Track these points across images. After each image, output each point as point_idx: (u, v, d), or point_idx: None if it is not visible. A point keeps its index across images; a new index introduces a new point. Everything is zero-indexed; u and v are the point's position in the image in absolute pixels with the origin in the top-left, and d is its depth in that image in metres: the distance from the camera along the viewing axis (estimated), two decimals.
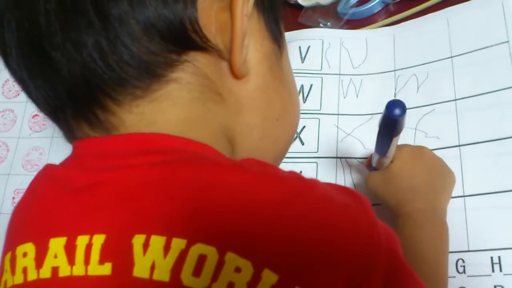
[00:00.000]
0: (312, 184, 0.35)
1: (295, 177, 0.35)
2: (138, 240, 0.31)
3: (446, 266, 0.54)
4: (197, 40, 0.35)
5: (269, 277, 0.30)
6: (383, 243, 0.33)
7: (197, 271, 0.30)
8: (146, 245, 0.31)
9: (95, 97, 0.35)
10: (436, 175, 0.58)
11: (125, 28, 0.33)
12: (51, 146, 0.80)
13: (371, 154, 0.60)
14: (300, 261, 0.31)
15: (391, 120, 0.47)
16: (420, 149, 0.60)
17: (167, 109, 0.36)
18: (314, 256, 0.31)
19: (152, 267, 0.30)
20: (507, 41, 0.67)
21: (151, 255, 0.30)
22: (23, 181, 0.78)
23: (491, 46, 0.68)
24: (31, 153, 0.80)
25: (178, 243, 0.30)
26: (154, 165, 0.34)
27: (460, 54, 0.69)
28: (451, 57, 0.70)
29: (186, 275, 0.30)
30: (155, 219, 0.32)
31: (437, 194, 0.58)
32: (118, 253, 0.31)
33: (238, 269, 0.30)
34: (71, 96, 0.35)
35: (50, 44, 0.34)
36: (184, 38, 0.35)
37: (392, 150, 0.55)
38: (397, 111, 0.46)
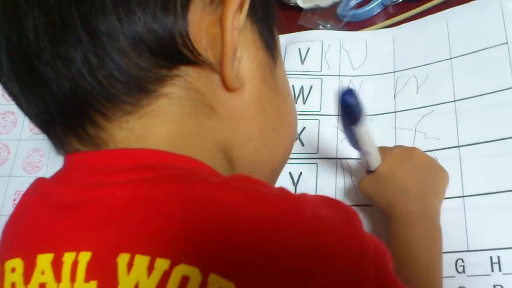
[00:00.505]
0: (300, 201, 0.35)
1: (283, 195, 0.35)
2: (122, 259, 0.31)
3: (440, 268, 0.54)
4: (188, 54, 0.35)
5: None
6: (372, 258, 0.33)
7: None
8: (130, 265, 0.31)
9: (85, 112, 0.35)
10: (428, 176, 0.58)
11: (114, 44, 0.33)
12: (52, 148, 0.80)
13: None
14: (287, 280, 0.31)
15: (344, 107, 0.47)
16: (410, 151, 0.59)
17: (158, 125, 0.35)
18: (302, 275, 0.31)
19: (136, 287, 0.30)
20: (506, 43, 0.67)
21: (135, 274, 0.30)
22: (24, 183, 0.78)
23: (490, 47, 0.68)
24: (32, 155, 0.80)
25: (161, 263, 0.30)
26: (141, 182, 0.33)
27: (460, 56, 0.69)
28: (451, 58, 0.70)
29: None
30: (140, 238, 0.32)
31: (429, 196, 0.58)
32: (103, 272, 0.31)
33: None
34: (61, 112, 0.35)
35: (39, 59, 0.34)
36: (174, 53, 0.34)
37: (369, 145, 0.55)
38: (346, 97, 0.46)
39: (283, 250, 0.31)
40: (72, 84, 0.34)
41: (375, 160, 0.58)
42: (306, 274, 0.31)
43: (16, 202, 0.76)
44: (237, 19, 0.36)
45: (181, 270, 0.30)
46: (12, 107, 0.84)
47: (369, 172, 0.60)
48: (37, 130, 0.82)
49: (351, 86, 0.46)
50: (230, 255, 0.31)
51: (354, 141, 0.53)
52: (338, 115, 0.50)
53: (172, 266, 0.30)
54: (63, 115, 0.35)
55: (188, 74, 0.35)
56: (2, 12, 0.34)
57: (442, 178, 0.60)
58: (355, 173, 0.67)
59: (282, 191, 0.35)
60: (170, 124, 0.36)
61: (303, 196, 0.36)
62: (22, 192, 0.77)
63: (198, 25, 0.35)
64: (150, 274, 0.30)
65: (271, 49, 0.41)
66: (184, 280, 0.30)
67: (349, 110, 0.47)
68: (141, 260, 0.30)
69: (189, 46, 0.34)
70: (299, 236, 0.32)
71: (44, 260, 0.33)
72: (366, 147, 0.55)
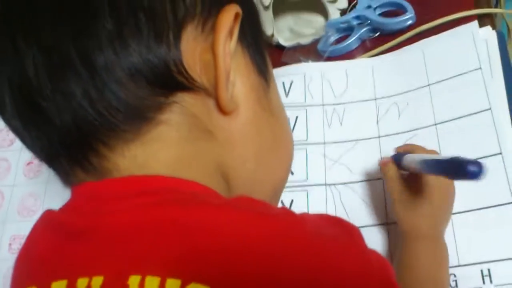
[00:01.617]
0: (302, 220, 0.35)
1: (285, 213, 0.36)
2: (134, 281, 0.31)
3: (446, 283, 0.57)
4: (183, 81, 0.36)
5: None
6: (376, 273, 0.34)
7: None
8: (141, 286, 0.31)
9: (88, 143, 0.36)
10: (449, 206, 0.61)
11: (112, 76, 0.34)
12: (46, 191, 0.81)
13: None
14: None
15: (459, 176, 0.48)
16: (449, 183, 0.60)
17: (158, 151, 0.36)
18: None
19: None
20: (480, 68, 0.70)
21: None
22: (19, 227, 0.78)
23: (465, 73, 0.71)
24: (27, 199, 0.81)
25: (172, 283, 0.30)
26: (146, 206, 0.34)
27: (437, 82, 0.73)
28: (429, 85, 0.73)
29: None
30: (150, 260, 0.32)
31: (444, 222, 0.61)
32: None
33: None
34: (64, 144, 0.36)
35: (40, 96, 0.34)
36: (170, 80, 0.35)
37: None
38: (475, 174, 0.45)
39: (287, 268, 0.32)
40: (74, 116, 0.34)
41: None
42: None
43: (13, 246, 0.78)
44: (228, 45, 0.37)
45: None
46: (6, 153, 0.87)
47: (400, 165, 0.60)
48: (31, 174, 0.84)
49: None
50: (238, 272, 0.31)
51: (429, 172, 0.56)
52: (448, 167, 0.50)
53: (183, 286, 0.30)
54: (67, 148, 0.36)
55: (184, 100, 0.36)
56: (3, 53, 0.36)
57: (453, 205, 0.62)
58: (344, 198, 0.69)
59: (285, 210, 0.36)
60: (169, 150, 0.36)
61: (305, 215, 0.37)
62: (19, 236, 0.78)
63: (191, 53, 0.36)
64: None
65: (263, 72, 0.42)
66: None
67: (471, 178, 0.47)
68: (152, 281, 0.31)
69: (183, 73, 0.35)
70: (302, 252, 0.32)
71: (58, 287, 0.33)
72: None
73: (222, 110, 0.38)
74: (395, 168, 0.61)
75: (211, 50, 0.37)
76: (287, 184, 0.70)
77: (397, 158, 0.61)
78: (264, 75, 0.42)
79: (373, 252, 0.36)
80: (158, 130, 0.36)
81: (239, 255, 0.32)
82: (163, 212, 0.34)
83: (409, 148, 0.63)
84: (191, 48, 0.36)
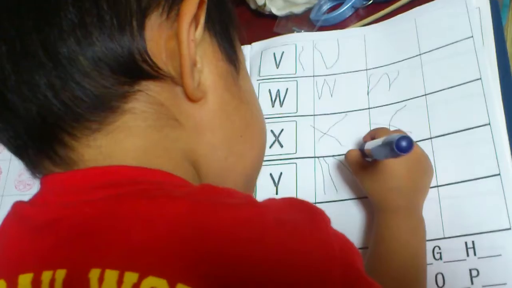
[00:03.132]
0: (264, 208, 0.36)
1: (247, 203, 0.36)
2: (94, 274, 0.32)
3: (424, 255, 0.57)
4: (148, 69, 0.36)
5: None
6: (337, 258, 0.34)
7: None
8: (101, 279, 0.31)
9: (53, 134, 0.36)
10: (420, 176, 0.61)
11: (75, 65, 0.34)
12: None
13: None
14: (252, 287, 0.31)
15: (397, 154, 0.50)
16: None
17: (124, 140, 0.36)
18: (267, 281, 0.31)
19: None
20: (472, 36, 0.69)
21: None
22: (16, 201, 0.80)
23: (456, 41, 0.70)
24: (23, 173, 0.82)
25: (130, 277, 0.31)
26: (108, 199, 0.34)
27: (428, 51, 0.72)
28: (420, 54, 0.72)
29: None
30: (109, 253, 0.32)
31: (418, 194, 0.60)
32: (77, 287, 0.32)
33: None
34: (30, 135, 0.36)
35: (4, 86, 0.34)
36: (134, 69, 0.35)
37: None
38: (404, 148, 0.50)
39: (247, 258, 0.32)
40: (38, 107, 0.35)
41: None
42: (270, 278, 0.31)
43: None
44: (192, 31, 0.37)
45: (149, 282, 0.31)
46: None
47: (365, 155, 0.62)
48: None
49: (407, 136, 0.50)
50: (195, 266, 0.31)
51: (380, 157, 0.57)
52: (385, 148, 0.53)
53: (140, 279, 0.31)
54: (33, 139, 0.36)
55: (150, 88, 0.36)
56: None
57: (430, 176, 0.62)
58: (333, 170, 0.69)
59: (247, 199, 0.36)
60: (135, 139, 0.37)
61: (268, 202, 0.37)
62: None
63: (156, 41, 0.36)
64: None
65: (232, 59, 0.42)
66: None
67: (399, 155, 0.51)
68: (111, 275, 0.31)
69: (148, 61, 0.35)
70: (262, 243, 0.33)
71: (25, 280, 0.34)
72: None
73: (189, 97, 0.38)
74: (357, 153, 0.63)
75: (176, 37, 0.37)
76: (276, 157, 0.71)
77: (362, 148, 0.63)
78: (234, 63, 0.42)
79: (337, 236, 0.36)
80: (124, 119, 0.36)
81: (198, 246, 0.32)
82: (124, 205, 0.34)
83: (373, 133, 0.63)
84: (155, 36, 0.36)
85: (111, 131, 0.36)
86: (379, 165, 0.60)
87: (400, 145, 0.49)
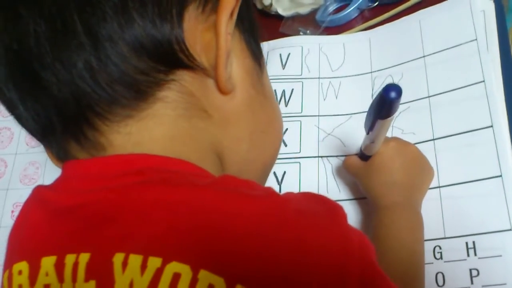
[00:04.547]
0: (285, 200, 0.36)
1: (269, 194, 0.36)
2: (118, 258, 0.32)
3: (423, 253, 0.57)
4: (184, 59, 0.36)
5: None
6: (357, 253, 0.34)
7: None
8: (125, 264, 0.32)
9: (84, 116, 0.36)
10: (416, 172, 0.61)
11: (115, 48, 0.34)
12: (47, 160, 0.82)
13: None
14: (272, 276, 0.31)
15: (384, 100, 0.50)
16: (405, 145, 0.62)
17: (154, 128, 0.37)
18: (286, 271, 0.32)
19: (131, 285, 0.32)
20: (476, 39, 0.70)
21: (129, 273, 0.32)
22: (21, 194, 0.80)
23: (460, 44, 0.71)
24: (28, 167, 0.83)
25: (154, 262, 0.31)
26: (131, 186, 0.35)
27: (432, 53, 0.72)
28: (424, 56, 0.73)
29: None
30: (133, 238, 0.33)
31: (414, 190, 0.61)
32: (100, 271, 0.33)
33: (211, 286, 0.31)
34: (61, 116, 0.36)
35: (40, 64, 0.34)
36: (171, 58, 0.36)
37: (379, 136, 0.57)
38: (392, 94, 0.49)
39: (268, 245, 0.32)
40: (73, 87, 0.34)
41: (375, 148, 0.60)
42: (289, 269, 0.32)
43: (15, 213, 0.80)
44: (229, 25, 0.38)
45: (172, 267, 0.31)
46: (9, 123, 0.89)
47: (363, 154, 0.62)
48: (33, 143, 0.86)
49: (395, 82, 0.49)
50: (219, 251, 0.32)
51: (371, 128, 0.56)
52: (372, 102, 0.52)
53: (164, 264, 0.31)
54: (63, 119, 0.36)
55: (184, 78, 0.37)
56: (3, 21, 0.35)
57: (428, 175, 0.63)
58: (336, 170, 0.69)
59: (267, 190, 0.37)
60: (164, 127, 0.37)
61: (287, 195, 0.38)
62: (20, 204, 0.79)
63: (192, 32, 0.36)
64: (144, 272, 0.31)
65: (257, 57, 0.43)
66: (176, 277, 0.31)
67: (389, 105, 0.50)
68: (135, 259, 0.32)
69: (185, 51, 0.36)
70: (282, 231, 0.33)
71: (48, 263, 0.35)
72: (375, 137, 0.57)
73: (220, 89, 0.39)
74: (354, 157, 0.64)
75: (212, 29, 0.37)
76: (280, 156, 0.72)
77: (359, 154, 0.64)
78: (258, 61, 0.43)
79: (355, 231, 0.36)
80: (155, 107, 0.36)
81: (221, 234, 0.32)
82: (148, 192, 0.34)
83: None
84: (192, 28, 0.36)
85: (142, 118, 0.36)
86: (375, 161, 0.60)
87: (388, 89, 0.49)
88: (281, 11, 0.87)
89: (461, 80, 0.68)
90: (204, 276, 0.31)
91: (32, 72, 0.35)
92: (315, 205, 0.37)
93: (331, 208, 0.37)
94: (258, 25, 0.44)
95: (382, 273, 0.36)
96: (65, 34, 0.34)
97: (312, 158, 0.71)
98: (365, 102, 0.72)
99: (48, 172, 0.82)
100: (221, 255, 0.32)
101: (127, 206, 0.34)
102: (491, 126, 0.63)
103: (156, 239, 0.32)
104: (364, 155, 0.62)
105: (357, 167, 0.63)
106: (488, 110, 0.64)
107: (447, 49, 0.72)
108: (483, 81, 0.66)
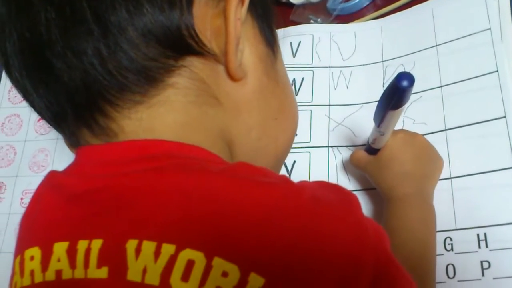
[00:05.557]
0: (300, 188, 0.36)
1: (283, 182, 0.36)
2: (131, 245, 0.32)
3: (434, 245, 0.57)
4: (193, 45, 0.36)
5: (255, 280, 0.30)
6: (371, 242, 0.34)
7: (185, 276, 0.31)
8: (138, 250, 0.32)
9: (95, 103, 0.36)
10: (426, 163, 0.61)
11: (124, 35, 0.34)
12: (56, 148, 0.83)
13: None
14: (287, 264, 0.31)
15: (397, 89, 0.49)
16: (413, 136, 0.61)
17: (165, 114, 0.37)
18: (300, 259, 0.32)
19: (144, 271, 0.31)
20: (489, 28, 0.69)
21: (143, 259, 0.32)
22: (30, 181, 0.81)
23: (474, 33, 0.70)
24: (37, 155, 0.83)
25: (167, 248, 0.31)
26: (146, 172, 0.35)
27: (445, 43, 0.72)
28: (436, 45, 0.72)
29: (175, 279, 0.31)
30: (147, 224, 0.33)
31: (425, 181, 0.60)
32: (113, 257, 0.33)
33: (225, 274, 0.30)
34: (72, 103, 0.36)
35: (51, 52, 0.35)
36: (181, 44, 0.36)
37: (389, 128, 0.57)
38: (405, 82, 0.48)
39: (283, 233, 0.32)
40: (83, 75, 0.35)
41: (384, 141, 0.60)
42: (304, 257, 0.32)
43: (24, 200, 0.80)
44: (239, 11, 0.37)
45: (186, 254, 0.31)
46: (18, 109, 0.89)
47: (370, 147, 0.62)
48: (42, 131, 0.86)
49: (409, 71, 0.48)
50: (233, 239, 0.31)
51: (381, 119, 0.55)
52: (384, 92, 0.52)
53: (177, 251, 0.31)
54: (75, 106, 0.37)
55: (194, 64, 0.37)
56: (15, 10, 0.36)
57: (438, 165, 0.62)
58: (346, 160, 0.69)
59: (283, 178, 0.37)
60: (175, 114, 0.37)
61: (302, 183, 0.37)
62: (30, 191, 0.80)
63: (202, 18, 0.36)
64: (157, 259, 0.31)
65: (271, 43, 0.43)
66: (190, 264, 0.31)
67: (401, 94, 0.49)
68: (148, 246, 0.32)
69: (194, 37, 0.36)
70: (297, 218, 0.33)
71: (60, 248, 0.35)
72: (385, 129, 0.57)
73: (230, 76, 0.39)
74: (361, 152, 0.63)
75: (222, 15, 0.37)
76: None
77: (366, 148, 0.63)
78: (272, 47, 0.43)
79: (369, 221, 0.36)
80: (166, 94, 0.37)
81: (234, 221, 0.32)
82: (163, 178, 0.34)
83: None
84: (202, 13, 0.36)
85: (153, 105, 0.37)
86: (384, 154, 0.60)
87: (400, 77, 0.48)
88: None
89: (474, 70, 0.67)
90: (218, 263, 0.31)
91: (44, 60, 0.35)
92: (330, 194, 0.37)
93: (345, 197, 0.37)
94: (273, 12, 0.44)
95: (396, 263, 0.37)
96: (75, 21, 0.34)
97: (322, 148, 0.71)
98: (376, 91, 0.72)
99: (57, 159, 0.82)
100: (235, 242, 0.31)
101: (142, 192, 0.34)
102: (504, 117, 0.63)
103: (170, 226, 0.32)
104: (371, 149, 0.62)
105: (366, 162, 0.63)
106: (502, 101, 0.64)
107: (460, 38, 0.71)
108: (497, 71, 0.66)
